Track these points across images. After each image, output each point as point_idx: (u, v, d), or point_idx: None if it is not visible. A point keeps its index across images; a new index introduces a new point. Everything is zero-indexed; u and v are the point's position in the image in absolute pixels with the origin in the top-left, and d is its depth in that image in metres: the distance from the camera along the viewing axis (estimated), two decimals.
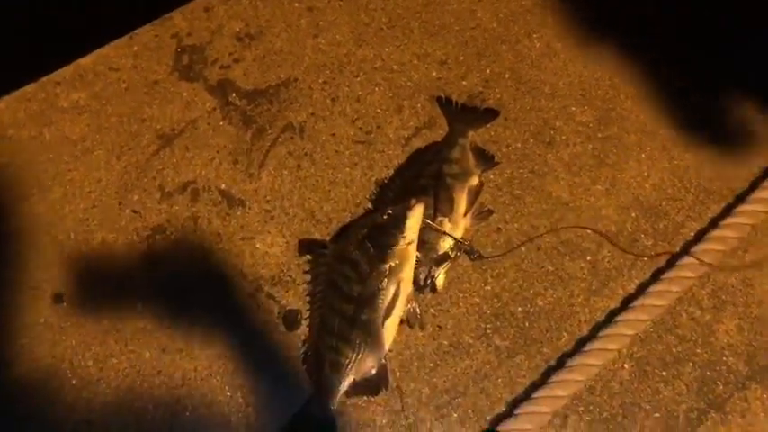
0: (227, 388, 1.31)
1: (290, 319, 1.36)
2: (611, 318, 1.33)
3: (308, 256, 1.41)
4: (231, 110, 1.60)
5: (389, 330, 1.27)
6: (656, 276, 1.37)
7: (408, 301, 1.29)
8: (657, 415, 1.26)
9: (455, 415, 1.28)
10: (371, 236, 1.29)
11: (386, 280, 1.26)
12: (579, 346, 1.31)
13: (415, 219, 1.29)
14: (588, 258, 1.40)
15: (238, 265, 1.42)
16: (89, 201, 1.50)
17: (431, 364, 1.31)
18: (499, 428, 1.23)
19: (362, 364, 1.26)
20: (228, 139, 1.56)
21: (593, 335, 1.31)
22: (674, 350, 1.31)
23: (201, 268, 1.42)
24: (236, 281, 1.40)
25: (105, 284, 1.42)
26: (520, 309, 1.35)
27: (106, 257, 1.45)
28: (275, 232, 1.45)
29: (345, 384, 1.27)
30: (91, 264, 1.44)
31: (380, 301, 1.26)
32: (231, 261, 1.42)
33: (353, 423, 1.27)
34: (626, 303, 1.35)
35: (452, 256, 1.34)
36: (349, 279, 1.28)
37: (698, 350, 1.31)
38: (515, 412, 1.25)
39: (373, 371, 1.27)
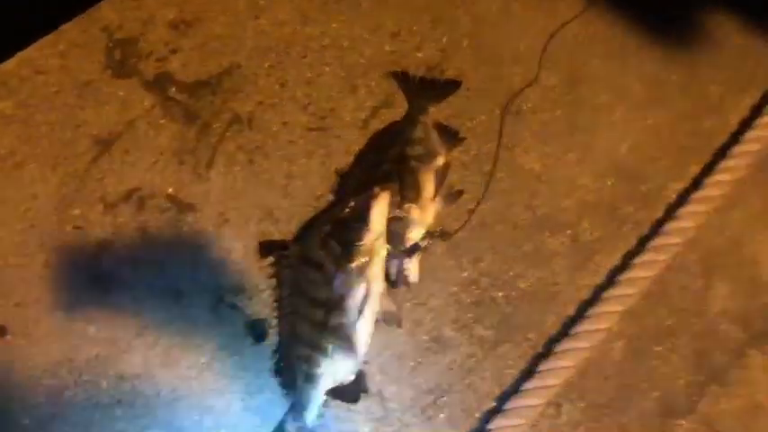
0: (195, 411, 1.21)
1: (258, 330, 1.26)
2: (597, 295, 1.26)
3: (270, 259, 1.29)
4: (172, 105, 1.47)
5: (364, 333, 1.16)
6: (641, 245, 1.28)
7: (381, 300, 1.17)
8: (656, 394, 1.19)
9: (442, 416, 1.20)
10: (335, 233, 1.18)
11: (355, 280, 1.15)
12: (567, 328, 1.24)
13: (380, 209, 1.18)
14: (568, 232, 1.32)
15: (196, 277, 1.30)
16: (25, 221, 1.37)
17: (412, 364, 1.22)
18: (490, 426, 1.14)
19: (338, 372, 1.16)
20: (172, 137, 1.43)
21: (580, 315, 1.24)
22: (666, 323, 1.24)
23: (156, 283, 1.30)
24: (195, 294, 1.28)
25: (52, 311, 1.30)
26: (501, 294, 1.27)
27: (51, 281, 1.32)
28: (232, 236, 1.33)
29: (322, 396, 1.16)
30: (34, 290, 1.32)
31: (351, 303, 1.15)
32: (187, 272, 1.30)
33: None
34: (612, 277, 1.27)
35: (424, 245, 1.23)
36: (315, 282, 1.16)
37: (692, 320, 1.24)
38: (505, 407, 1.18)
39: (351, 378, 1.16)
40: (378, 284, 1.18)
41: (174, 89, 1.50)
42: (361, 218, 1.19)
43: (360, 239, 1.18)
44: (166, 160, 1.43)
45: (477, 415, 1.20)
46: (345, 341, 1.16)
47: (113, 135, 1.46)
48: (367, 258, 1.17)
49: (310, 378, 1.17)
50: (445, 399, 1.21)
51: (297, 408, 1.17)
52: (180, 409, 1.22)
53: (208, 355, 1.26)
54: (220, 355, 1.25)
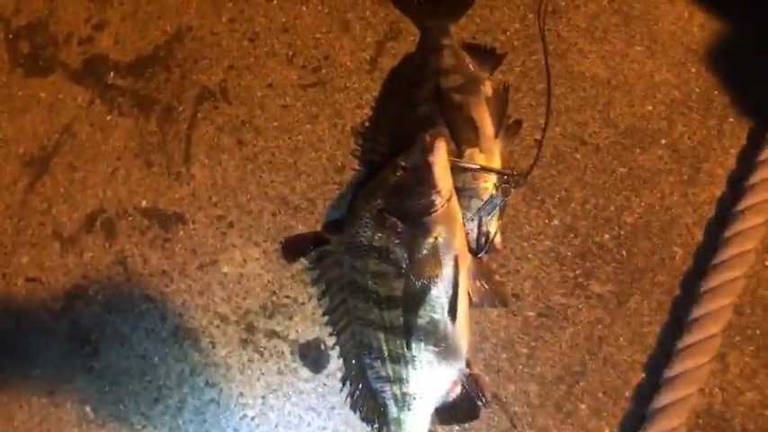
0: None
1: (313, 356, 0.94)
2: (725, 209, 0.97)
3: (305, 262, 0.97)
4: (116, 95, 1.12)
5: (462, 326, 0.86)
6: (757, 136, 1.01)
7: (473, 278, 0.87)
8: None
9: (583, 406, 0.91)
10: (392, 206, 0.86)
11: (435, 260, 0.84)
12: (702, 259, 0.95)
13: (441, 162, 0.87)
14: (663, 142, 1.03)
15: (210, 307, 0.97)
16: None
17: (525, 351, 0.94)
18: (653, 406, 0.87)
19: (439, 386, 0.85)
20: (127, 135, 1.09)
21: (712, 240, 0.95)
22: None
23: (160, 329, 0.96)
24: (216, 329, 0.96)
25: (28, 400, 0.94)
26: (607, 236, 0.99)
27: (15, 360, 0.96)
28: (242, 243, 1.01)
29: (426, 420, 0.85)
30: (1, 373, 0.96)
31: (437, 290, 0.84)
32: (197, 304, 0.97)
33: None
34: (735, 185, 0.99)
35: (503, 196, 0.93)
36: (381, 275, 0.85)
37: None
38: (663, 378, 0.88)
39: (458, 389, 0.86)
40: (466, 258, 0.88)
41: (113, 75, 1.16)
42: (423, 179, 0.87)
43: (430, 207, 0.87)
44: (128, 166, 1.08)
45: (627, 395, 0.92)
46: (440, 342, 0.86)
47: (48, 149, 1.11)
48: (444, 228, 0.87)
49: (404, 402, 0.87)
50: (581, 385, 0.93)
51: None
52: None
53: (256, 406, 0.94)
54: (272, 401, 0.94)
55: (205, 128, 1.11)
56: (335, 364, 0.96)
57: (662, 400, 0.90)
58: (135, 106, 1.13)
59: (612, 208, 1.03)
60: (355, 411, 0.91)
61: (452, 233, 0.88)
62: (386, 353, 0.88)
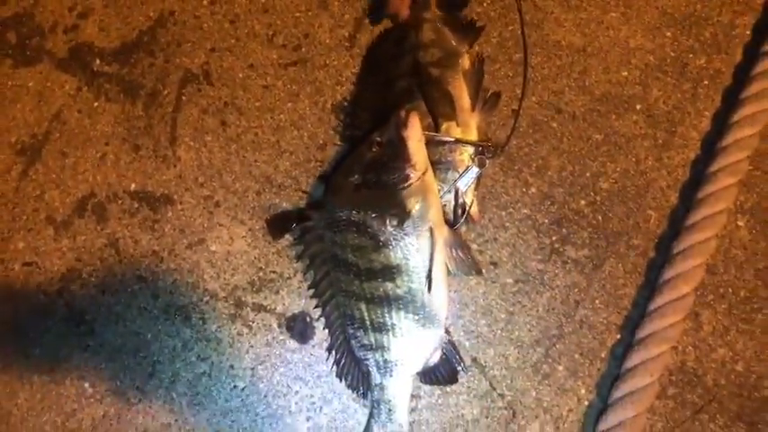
0: None
1: (299, 328, 0.99)
2: (699, 172, 1.00)
3: (289, 238, 1.01)
4: (102, 82, 1.16)
5: (440, 294, 0.89)
6: (730, 100, 1.03)
7: (449, 247, 0.90)
8: None
9: (560, 368, 0.95)
10: (370, 180, 0.90)
11: (412, 231, 0.87)
12: (676, 222, 0.98)
13: (416, 136, 0.90)
14: (638, 107, 1.06)
15: (200, 284, 1.02)
16: None
17: (503, 316, 0.97)
18: (626, 365, 0.90)
19: (421, 351, 0.89)
20: (115, 120, 1.13)
21: (686, 202, 0.98)
22: None
23: (152, 307, 1.00)
24: (206, 305, 1.00)
25: (29, 378, 0.99)
26: (583, 202, 1.02)
27: (15, 340, 1.01)
28: (229, 222, 1.04)
29: (410, 387, 0.90)
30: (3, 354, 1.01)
31: (415, 260, 0.88)
32: (187, 282, 1.02)
33: (437, 430, 0.92)
34: (708, 147, 1.01)
35: (478, 167, 0.96)
36: (360, 248, 0.89)
37: None
38: (636, 337, 0.92)
39: (438, 354, 0.90)
40: (442, 229, 0.92)
41: (98, 62, 1.19)
42: (397, 153, 0.91)
43: (405, 180, 0.90)
44: (116, 150, 1.12)
45: (603, 355, 0.96)
46: (419, 310, 0.90)
47: (38, 137, 1.14)
48: (420, 200, 0.90)
49: (387, 369, 0.91)
50: (558, 347, 0.97)
51: (381, 409, 0.92)
52: None
53: (246, 377, 0.99)
54: (261, 372, 0.99)
55: (189, 110, 1.14)
56: (321, 335, 1.01)
57: (635, 359, 0.94)
58: (121, 92, 1.17)
59: (588, 174, 1.06)
60: (341, 379, 0.95)
61: (427, 205, 0.91)
62: (368, 322, 0.92)
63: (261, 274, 1.05)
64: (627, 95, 1.09)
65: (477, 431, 0.95)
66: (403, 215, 0.90)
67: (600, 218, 1.03)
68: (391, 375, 0.92)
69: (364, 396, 0.95)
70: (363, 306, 0.93)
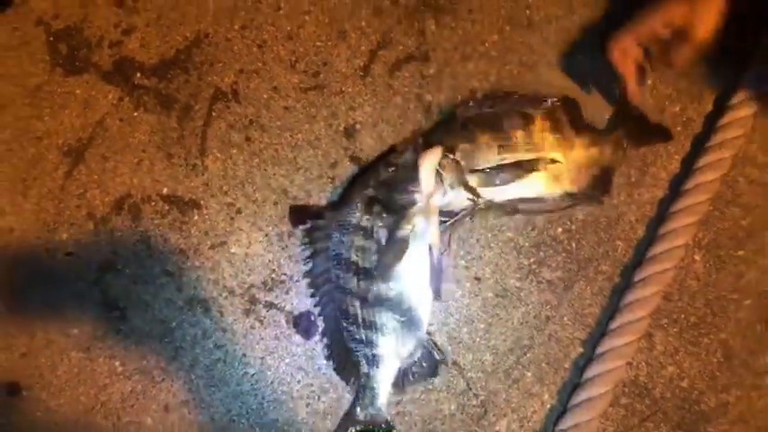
0: (257, 429, 1.10)
1: (305, 325, 1.14)
2: (664, 209, 1.14)
3: (302, 228, 1.16)
4: (142, 94, 1.30)
5: (425, 300, 1.05)
6: (698, 146, 1.17)
7: (440, 266, 1.06)
8: (749, 302, 1.11)
9: (529, 374, 1.11)
10: (381, 195, 1.05)
11: (411, 243, 1.03)
12: (641, 252, 1.12)
13: (428, 165, 1.05)
14: None
15: (219, 281, 1.17)
16: (7, 259, 1.21)
17: (482, 326, 1.12)
18: (585, 375, 1.05)
19: (405, 349, 1.05)
20: (151, 130, 1.27)
21: (651, 235, 1.12)
22: (743, 223, 1.16)
23: (177, 298, 1.16)
24: (224, 300, 1.16)
25: (67, 353, 1.16)
26: (560, 230, 1.16)
27: (56, 320, 1.17)
28: (248, 227, 1.19)
29: (391, 377, 1.08)
30: (39, 334, 1.17)
31: (409, 268, 1.04)
32: (209, 278, 1.17)
33: (418, 422, 1.09)
34: (675, 187, 1.16)
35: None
36: (364, 250, 1.04)
37: None
38: (596, 352, 1.07)
39: (420, 352, 1.05)
40: (437, 246, 1.07)
41: (139, 75, 1.33)
42: (410, 177, 1.06)
43: (412, 201, 1.05)
44: (152, 157, 1.27)
45: (566, 366, 1.11)
46: (407, 312, 1.05)
47: (83, 141, 1.29)
48: (422, 220, 1.05)
49: (374, 361, 1.08)
50: (528, 356, 1.11)
51: (365, 394, 1.09)
52: (240, 431, 1.09)
53: (256, 365, 1.14)
54: (270, 361, 1.14)
55: (218, 125, 1.29)
56: (321, 330, 1.16)
57: (593, 370, 1.09)
58: (158, 104, 1.32)
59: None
60: (333, 368, 1.11)
61: (428, 225, 1.07)
62: (360, 319, 1.08)
63: (273, 275, 1.20)
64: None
65: (452, 424, 1.11)
66: (405, 230, 1.05)
67: (574, 245, 1.18)
68: (377, 367, 1.08)
69: (347, 382, 1.10)
70: (358, 304, 1.08)
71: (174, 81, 1.33)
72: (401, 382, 1.10)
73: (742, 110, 1.18)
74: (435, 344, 1.08)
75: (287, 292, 1.19)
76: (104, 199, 1.27)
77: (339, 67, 1.32)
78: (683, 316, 1.14)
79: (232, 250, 1.22)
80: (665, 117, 1.23)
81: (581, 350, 1.13)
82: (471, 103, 1.20)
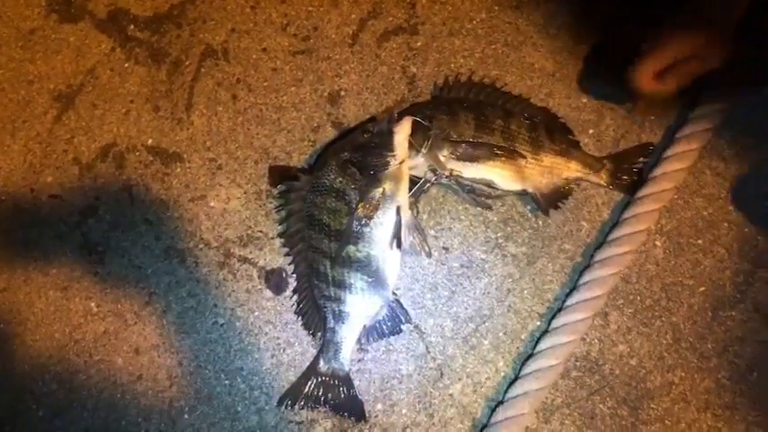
0: (222, 376, 1.16)
1: (276, 281, 1.20)
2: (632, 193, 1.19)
3: (279, 188, 1.21)
4: (134, 46, 1.35)
5: (393, 262, 1.11)
6: (669, 136, 1.22)
7: (408, 228, 1.11)
8: (703, 289, 1.17)
9: (486, 342, 1.17)
10: (356, 159, 1.11)
11: (381, 206, 1.09)
12: (604, 234, 1.17)
13: (402, 133, 1.10)
14: (590, 131, 1.25)
15: (196, 233, 1.23)
16: None
17: (446, 293, 1.18)
18: (539, 347, 1.11)
19: (371, 307, 1.14)
20: (141, 82, 1.32)
21: (616, 218, 1.18)
22: (704, 213, 1.22)
23: (154, 246, 1.21)
24: (200, 251, 1.22)
25: (45, 291, 1.21)
26: (528, 207, 1.21)
27: (36, 259, 1.23)
28: (228, 183, 1.24)
29: (357, 334, 1.15)
30: (19, 271, 1.22)
31: (378, 231, 1.09)
32: (186, 229, 1.23)
33: (377, 380, 1.16)
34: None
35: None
36: (335, 211, 1.11)
37: (730, 207, 1.20)
38: (552, 326, 1.13)
39: (385, 311, 1.12)
40: (404, 211, 1.12)
41: (132, 27, 1.38)
42: (384, 143, 1.11)
43: (384, 165, 1.11)
44: (139, 108, 1.32)
45: (522, 337, 1.17)
46: (374, 273, 1.11)
47: (74, 87, 1.34)
48: (393, 184, 1.11)
49: (340, 317, 1.15)
50: (487, 325, 1.17)
51: (330, 348, 1.16)
52: (207, 377, 1.16)
53: (226, 315, 1.20)
54: (239, 313, 1.19)
55: (206, 82, 1.34)
56: (293, 288, 1.21)
57: (547, 342, 1.15)
58: (149, 57, 1.36)
59: None
60: (301, 322, 1.17)
61: (398, 190, 1.13)
62: (330, 277, 1.14)
63: (249, 231, 1.25)
64: (582, 120, 1.28)
65: (409, 384, 1.17)
66: (376, 192, 1.11)
67: (540, 222, 1.23)
68: (343, 323, 1.14)
69: (314, 336, 1.17)
70: (328, 263, 1.14)
71: (166, 35, 1.38)
72: (365, 338, 1.15)
73: (712, 104, 1.23)
74: (400, 304, 1.14)
75: (261, 249, 1.24)
76: (91, 146, 1.32)
77: (329, 33, 1.36)
78: (638, 298, 1.19)
79: (211, 204, 1.27)
80: (639, 105, 1.27)
81: (538, 323, 1.19)
82: (459, 84, 1.25)
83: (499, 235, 1.23)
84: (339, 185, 1.14)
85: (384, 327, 1.15)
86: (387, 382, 1.17)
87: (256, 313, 1.21)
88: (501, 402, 1.13)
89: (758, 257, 1.20)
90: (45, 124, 1.33)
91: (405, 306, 1.16)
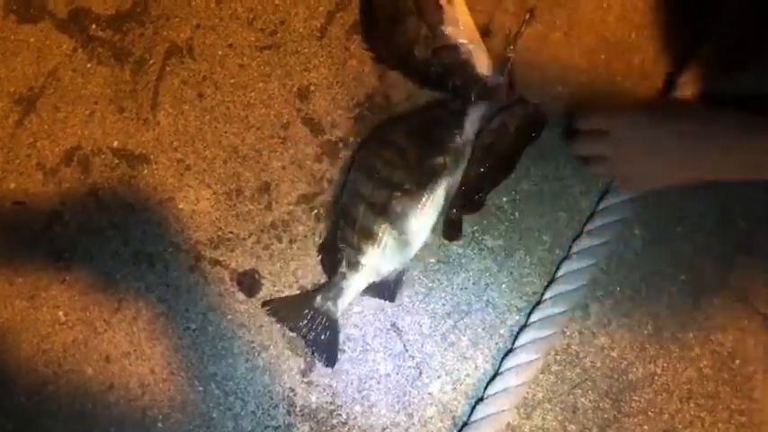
0: (196, 382, 1.14)
1: (248, 283, 1.18)
2: (608, 183, 1.18)
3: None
4: (96, 45, 1.31)
5: (422, 232, 1.15)
6: None
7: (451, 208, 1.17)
8: (683, 277, 1.16)
9: (465, 339, 1.16)
10: (423, 129, 1.16)
11: (436, 174, 1.13)
12: (581, 224, 1.16)
13: (474, 120, 1.15)
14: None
15: (165, 236, 1.20)
16: None
17: (423, 290, 1.17)
18: (518, 342, 1.10)
19: (384, 266, 1.15)
20: (104, 82, 1.29)
21: (594, 208, 1.16)
22: (682, 201, 1.18)
23: (122, 251, 1.19)
24: (169, 255, 1.20)
25: (10, 302, 1.18)
26: (505, 199, 1.20)
27: (2, 269, 1.21)
28: (196, 184, 1.22)
29: (362, 288, 1.16)
30: None
31: (424, 194, 1.12)
32: (155, 233, 1.21)
33: (354, 380, 1.14)
34: None
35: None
36: (390, 163, 1.14)
37: (710, 192, 1.18)
38: (531, 320, 1.12)
39: (393, 276, 1.15)
40: (453, 190, 1.15)
41: (94, 26, 1.34)
42: (455, 123, 1.15)
43: (450, 141, 1.11)
44: (103, 110, 1.29)
45: (501, 332, 1.16)
46: (401, 232, 1.10)
47: (35, 90, 1.31)
48: (452, 160, 1.14)
49: (354, 266, 1.15)
50: (465, 321, 1.16)
51: (332, 289, 1.16)
52: (180, 383, 1.14)
53: (198, 320, 1.18)
54: (212, 317, 1.18)
55: (171, 80, 1.31)
56: (266, 291, 1.19)
57: (526, 337, 1.14)
58: (112, 56, 1.33)
59: (513, 176, 1.23)
60: (318, 255, 1.19)
61: (456, 167, 1.14)
62: (359, 224, 1.13)
63: (220, 233, 1.23)
64: (558, 108, 1.26)
65: (388, 384, 1.15)
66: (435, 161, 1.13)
67: (517, 214, 1.22)
68: (356, 273, 1.14)
69: (327, 273, 1.18)
70: (362, 209, 1.13)
71: (129, 34, 1.35)
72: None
73: (686, 88, 1.21)
74: (405, 274, 1.16)
75: (232, 250, 1.22)
76: (54, 150, 1.29)
77: (296, 26, 1.33)
78: (618, 288, 1.18)
79: (180, 206, 1.24)
80: (616, 92, 1.25)
81: (517, 317, 1.17)
82: None
83: (475, 228, 1.21)
84: (402, 143, 1.15)
85: (385, 290, 1.16)
86: (365, 383, 1.16)
87: (229, 317, 1.19)
88: (481, 399, 1.12)
89: (739, 241, 1.19)
90: (6, 129, 1.30)
91: (380, 309, 1.16)
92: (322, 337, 1.14)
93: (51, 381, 1.17)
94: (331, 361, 1.14)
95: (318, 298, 1.14)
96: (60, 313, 1.21)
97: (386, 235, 1.12)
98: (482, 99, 1.16)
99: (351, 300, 1.14)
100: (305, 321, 1.14)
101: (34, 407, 1.16)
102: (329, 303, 1.14)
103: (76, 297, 1.21)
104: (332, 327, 1.14)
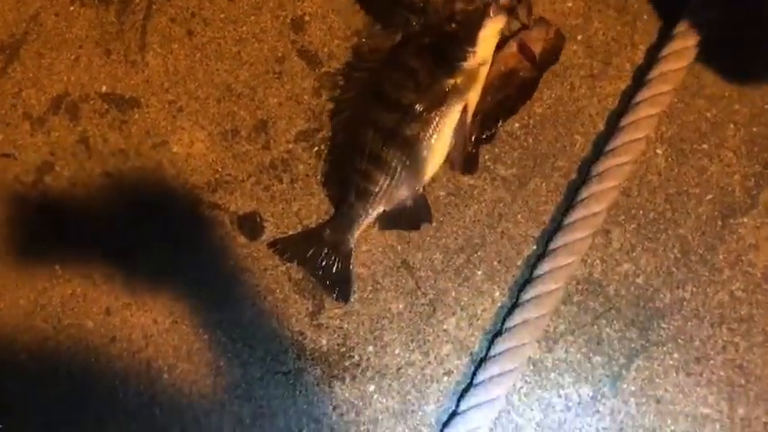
0: (201, 330, 1.11)
1: (250, 226, 1.13)
2: (627, 101, 1.11)
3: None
4: None
5: (436, 157, 1.09)
6: (664, 36, 1.13)
7: (464, 135, 1.09)
8: (710, 196, 1.11)
9: (479, 273, 1.10)
10: (435, 47, 1.07)
11: (448, 96, 1.06)
12: (599, 146, 1.10)
13: (491, 30, 1.06)
14: (579, 38, 1.16)
15: (161, 181, 1.16)
16: None
17: (433, 224, 1.10)
18: (537, 272, 1.04)
19: (395, 194, 1.09)
20: (89, 25, 1.24)
21: (611, 129, 1.09)
22: (707, 115, 1.14)
23: (117, 199, 1.15)
24: (166, 200, 1.15)
25: (3, 257, 1.13)
26: (517, 125, 1.15)
27: None
28: (190, 126, 1.17)
29: (371, 216, 1.11)
30: None
31: (436, 117, 1.06)
32: (150, 179, 1.16)
33: (366, 321, 1.10)
34: (639, 78, 1.12)
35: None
36: (400, 86, 1.08)
37: (735, 106, 1.13)
38: (549, 248, 1.05)
39: (409, 202, 1.10)
40: (467, 115, 1.08)
41: None
42: (470, 36, 1.06)
43: (464, 57, 1.04)
44: (90, 53, 1.24)
45: (518, 263, 1.10)
46: (413, 157, 1.08)
47: (17, 37, 1.26)
48: (466, 82, 1.07)
49: (363, 195, 1.10)
50: (479, 254, 1.11)
51: (340, 220, 1.11)
52: (184, 332, 1.11)
53: (200, 266, 1.17)
54: (214, 263, 1.17)
55: (159, 19, 1.25)
56: (269, 233, 1.15)
57: (545, 266, 1.08)
58: None
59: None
60: (323, 185, 1.15)
61: (470, 89, 1.07)
62: (367, 149, 1.08)
63: (217, 176, 1.18)
64: (569, 26, 1.20)
65: (401, 323, 1.11)
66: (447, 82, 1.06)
67: (531, 140, 1.16)
68: (364, 201, 1.10)
69: (334, 203, 1.13)
70: (371, 133, 1.08)
71: None
72: (382, 223, 1.12)
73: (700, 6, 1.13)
74: (426, 201, 1.10)
75: (231, 193, 1.17)
76: (41, 98, 1.24)
77: None
78: (641, 212, 1.12)
79: (174, 150, 1.20)
80: (630, 4, 1.18)
81: (534, 248, 1.12)
82: None
83: (487, 157, 1.16)
84: (413, 64, 1.08)
85: (403, 218, 1.11)
86: (377, 323, 1.11)
87: (232, 262, 1.15)
88: (499, 333, 1.07)
89: None
90: None
91: (388, 245, 1.11)
92: (334, 270, 1.10)
93: (51, 336, 1.14)
94: (345, 296, 1.10)
95: (327, 231, 1.10)
96: (57, 267, 1.17)
97: (395, 159, 1.07)
98: (499, 14, 1.07)
99: (359, 229, 1.10)
100: (316, 257, 1.10)
101: (36, 364, 1.13)
102: (338, 234, 1.10)
103: (73, 250, 1.17)
104: (344, 260, 1.10)
